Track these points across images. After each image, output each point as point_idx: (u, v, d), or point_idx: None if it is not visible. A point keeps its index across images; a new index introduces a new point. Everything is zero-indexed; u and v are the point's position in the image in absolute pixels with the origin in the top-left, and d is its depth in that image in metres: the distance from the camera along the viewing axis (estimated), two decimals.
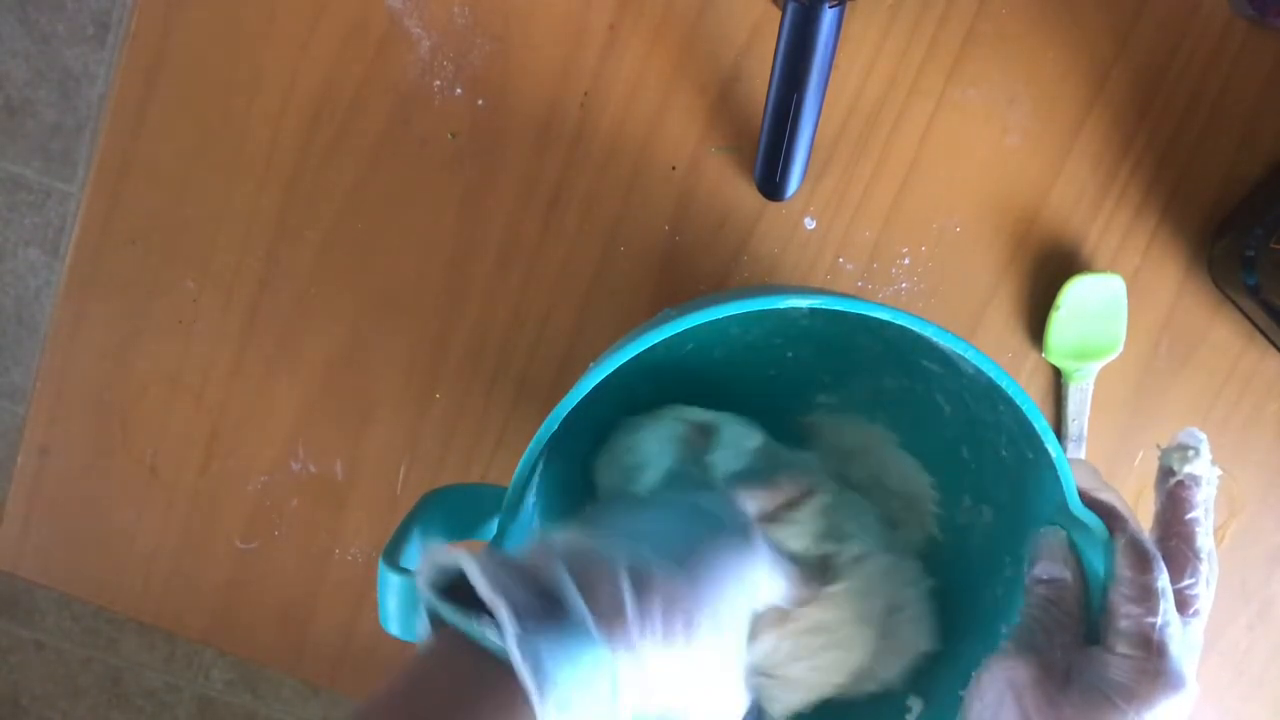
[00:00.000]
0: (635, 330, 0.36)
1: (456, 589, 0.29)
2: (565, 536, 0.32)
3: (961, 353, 0.33)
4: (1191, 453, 0.34)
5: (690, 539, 0.34)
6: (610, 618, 0.28)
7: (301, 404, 0.53)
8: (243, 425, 0.54)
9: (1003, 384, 0.33)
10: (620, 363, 0.34)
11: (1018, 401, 0.33)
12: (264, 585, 0.55)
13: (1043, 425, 0.33)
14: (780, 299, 0.34)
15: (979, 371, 0.34)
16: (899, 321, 0.33)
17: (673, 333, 0.34)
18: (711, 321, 0.34)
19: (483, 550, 0.30)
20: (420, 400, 0.53)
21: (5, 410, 1.40)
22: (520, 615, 0.27)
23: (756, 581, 0.35)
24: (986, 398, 0.37)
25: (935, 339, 0.33)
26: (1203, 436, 0.34)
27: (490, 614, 0.28)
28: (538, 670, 0.26)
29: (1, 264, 1.34)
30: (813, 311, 0.37)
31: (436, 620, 0.29)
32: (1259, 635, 0.54)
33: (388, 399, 0.53)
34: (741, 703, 0.34)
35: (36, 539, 0.56)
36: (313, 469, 0.54)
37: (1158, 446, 0.35)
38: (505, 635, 0.27)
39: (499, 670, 0.27)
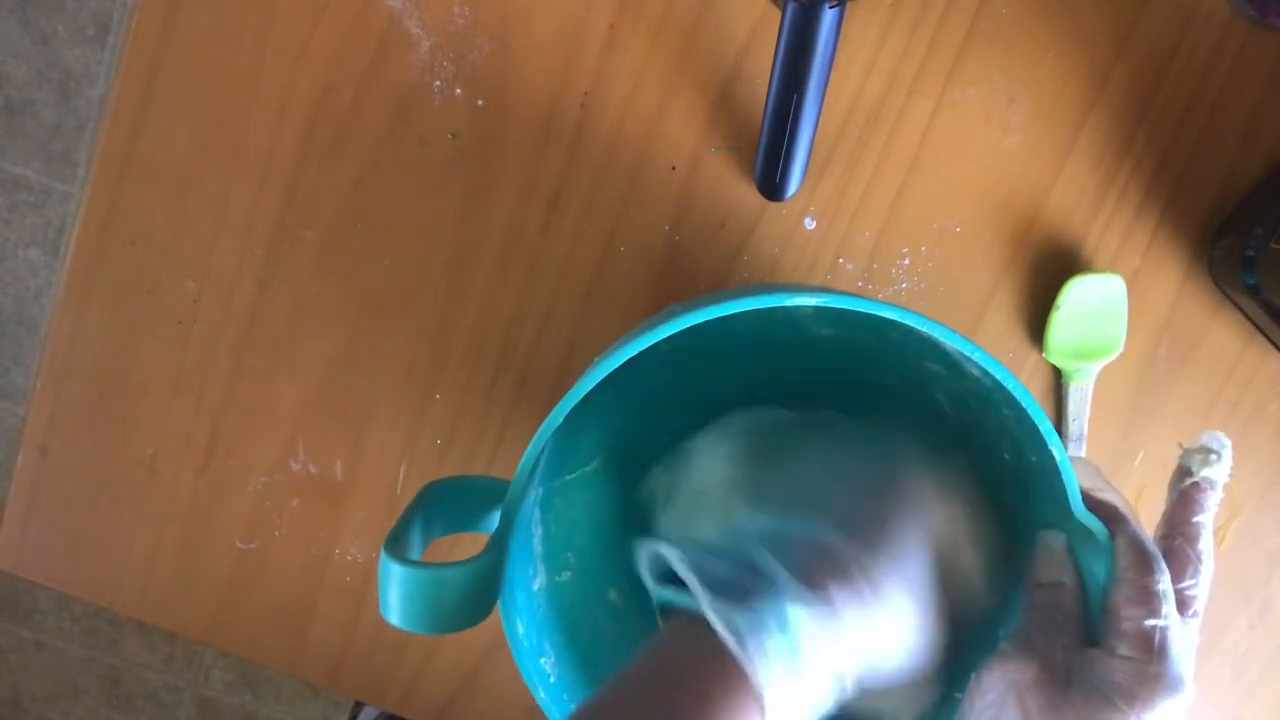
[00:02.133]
0: (642, 324, 0.36)
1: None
2: (755, 521, 0.34)
3: (968, 354, 0.33)
4: (1214, 456, 0.34)
5: (863, 494, 0.36)
6: (802, 582, 0.31)
7: (301, 404, 0.53)
8: (243, 425, 0.54)
9: (1009, 386, 0.33)
10: (625, 359, 0.34)
11: (1023, 404, 0.33)
12: (264, 585, 0.55)
13: (1047, 428, 0.33)
14: (789, 296, 0.33)
15: (984, 373, 0.34)
16: (907, 321, 0.33)
17: (677, 329, 0.33)
18: (716, 319, 0.34)
19: (684, 544, 0.32)
20: (420, 400, 0.53)
21: (5, 410, 1.40)
22: (715, 587, 0.30)
23: (932, 517, 0.36)
24: (990, 400, 0.37)
25: (942, 339, 0.33)
26: (1227, 442, 0.34)
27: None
28: (734, 630, 0.29)
29: (2, 264, 1.34)
30: (817, 310, 0.37)
31: (665, 611, 0.32)
32: (1259, 635, 0.54)
33: (388, 399, 0.53)
34: (937, 639, 0.34)
35: (36, 539, 0.56)
36: (313, 469, 0.54)
37: (1180, 445, 0.35)
38: (702, 604, 0.29)
39: (720, 651, 0.29)
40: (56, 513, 0.55)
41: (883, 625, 0.32)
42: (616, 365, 0.34)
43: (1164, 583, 0.31)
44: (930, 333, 0.33)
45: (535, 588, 0.41)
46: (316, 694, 1.44)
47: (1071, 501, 0.33)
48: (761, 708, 0.29)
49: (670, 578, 0.32)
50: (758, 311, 0.34)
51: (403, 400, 0.53)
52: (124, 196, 0.51)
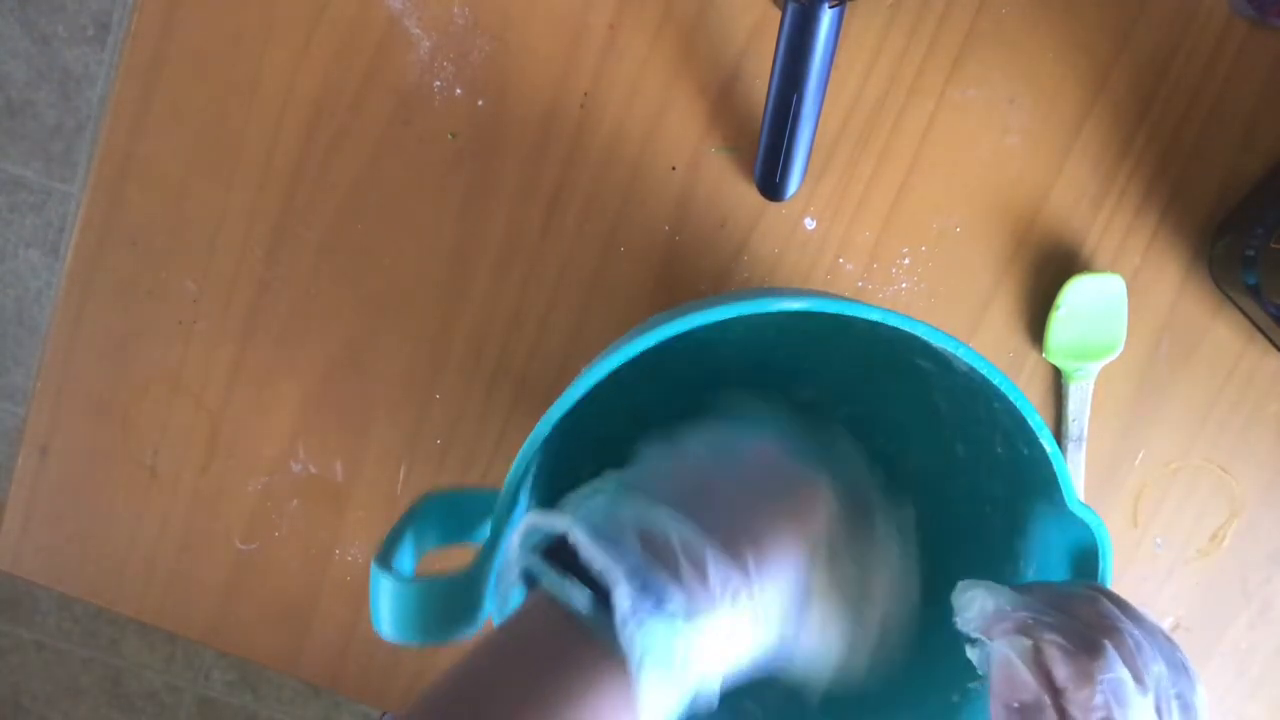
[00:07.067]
0: (628, 334, 0.36)
1: (550, 553, 0.31)
2: (635, 508, 0.32)
3: (954, 351, 0.33)
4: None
5: (750, 492, 0.35)
6: (693, 595, 0.30)
7: (301, 404, 0.53)
8: (243, 425, 0.54)
9: (996, 381, 0.33)
10: (610, 369, 0.34)
11: (1011, 399, 0.33)
12: (264, 585, 0.55)
13: (1037, 421, 0.33)
14: (771, 302, 0.33)
15: (972, 369, 0.34)
16: (889, 322, 0.33)
17: (662, 339, 0.34)
18: (704, 325, 0.34)
19: (577, 519, 0.31)
20: (420, 400, 0.53)
21: (5, 410, 1.40)
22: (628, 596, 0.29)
23: (816, 519, 0.36)
24: (980, 395, 0.37)
25: (926, 338, 0.33)
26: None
27: (577, 575, 0.30)
28: (635, 648, 0.28)
29: (2, 264, 1.34)
30: (805, 315, 0.37)
31: (531, 581, 0.32)
32: (1260, 635, 0.54)
33: (388, 399, 0.53)
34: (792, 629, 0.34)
35: (36, 539, 0.56)
36: (313, 469, 0.54)
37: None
38: (616, 616, 0.29)
39: (588, 634, 0.29)
40: (56, 513, 0.55)
41: (756, 627, 0.32)
42: (599, 378, 0.34)
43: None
44: (914, 332, 0.33)
45: None
46: (317, 694, 1.44)
47: (1064, 492, 0.33)
48: (631, 704, 0.29)
49: (547, 550, 0.32)
50: (747, 317, 0.34)
51: (403, 400, 0.53)
52: (124, 196, 0.51)
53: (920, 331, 0.33)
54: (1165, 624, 0.54)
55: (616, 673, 0.29)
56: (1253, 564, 0.53)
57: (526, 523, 0.32)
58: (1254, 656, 0.54)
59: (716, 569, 0.31)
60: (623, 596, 0.29)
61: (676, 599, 0.29)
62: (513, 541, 0.32)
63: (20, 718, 1.48)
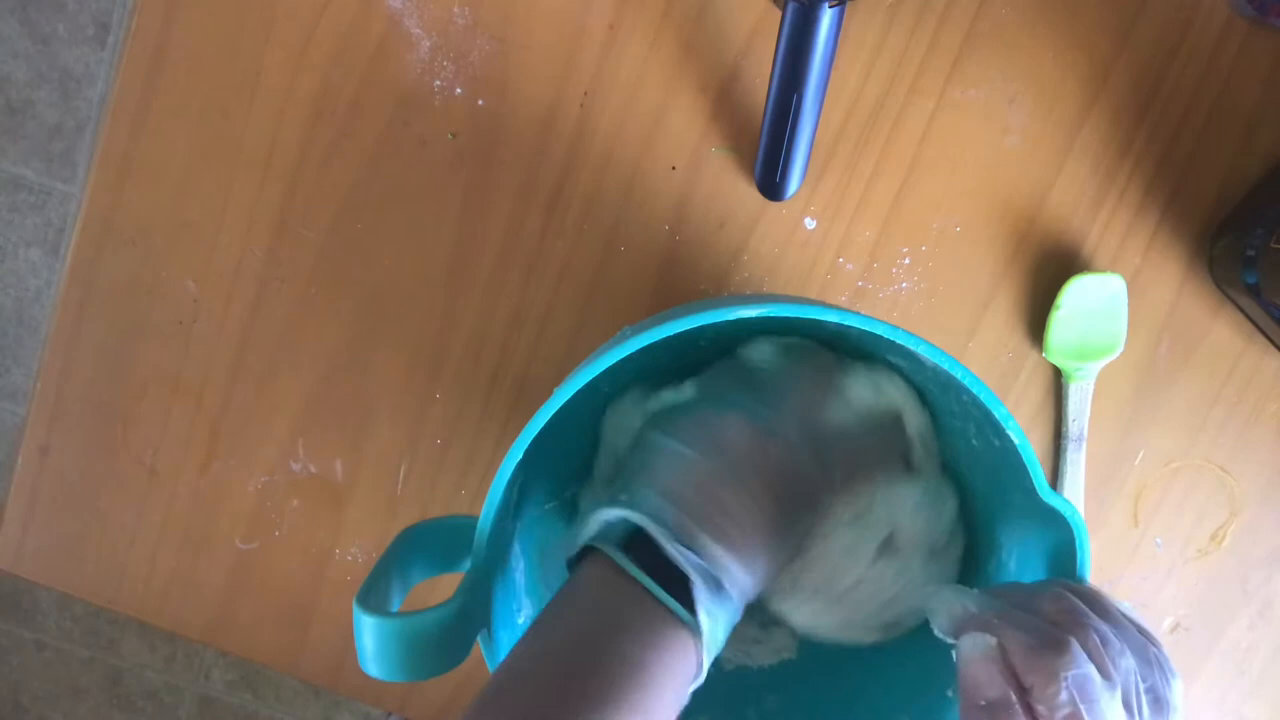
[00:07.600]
0: (594, 353, 0.36)
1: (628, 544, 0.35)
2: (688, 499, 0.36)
3: (913, 348, 0.33)
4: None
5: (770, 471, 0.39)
6: (739, 588, 0.35)
7: (301, 404, 0.53)
8: (243, 425, 0.54)
9: (957, 374, 0.33)
10: (574, 391, 0.34)
11: (974, 390, 0.33)
12: (264, 585, 0.55)
13: (1002, 411, 0.33)
14: (729, 311, 0.33)
15: (937, 365, 0.34)
16: (845, 322, 0.33)
17: (624, 355, 0.33)
18: (679, 334, 0.34)
19: (651, 517, 0.35)
20: (420, 400, 0.53)
21: (5, 410, 1.40)
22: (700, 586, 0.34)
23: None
24: (950, 388, 0.37)
25: (882, 334, 0.33)
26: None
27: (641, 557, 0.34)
28: (705, 627, 0.33)
29: (2, 264, 1.34)
30: (771, 319, 0.37)
31: (588, 557, 0.36)
32: (1260, 635, 0.54)
33: (388, 399, 0.53)
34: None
35: (36, 539, 0.56)
36: (313, 469, 0.54)
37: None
38: (698, 602, 0.33)
39: (649, 603, 0.33)
40: (56, 513, 0.55)
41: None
42: (565, 399, 0.34)
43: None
44: (871, 329, 0.33)
45: (520, 620, 0.41)
46: (317, 694, 1.44)
47: (1035, 481, 0.33)
48: (696, 639, 0.34)
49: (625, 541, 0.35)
50: (717, 324, 0.34)
51: (403, 400, 0.53)
52: (124, 196, 0.51)
53: (878, 329, 0.33)
54: (1165, 624, 0.54)
55: (681, 633, 0.33)
56: (1253, 564, 0.53)
57: (608, 513, 0.35)
58: (1254, 656, 0.54)
59: (753, 561, 0.36)
60: (700, 591, 0.33)
61: (731, 592, 0.34)
62: (587, 525, 0.36)
63: (20, 718, 1.48)
